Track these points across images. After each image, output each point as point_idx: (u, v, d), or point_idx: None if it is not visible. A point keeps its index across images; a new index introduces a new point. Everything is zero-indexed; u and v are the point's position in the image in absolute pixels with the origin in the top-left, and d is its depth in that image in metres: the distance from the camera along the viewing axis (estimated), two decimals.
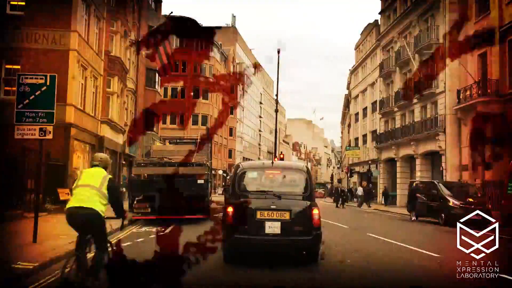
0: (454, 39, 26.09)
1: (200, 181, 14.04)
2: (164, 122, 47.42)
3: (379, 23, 39.78)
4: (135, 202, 14.06)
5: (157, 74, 32.63)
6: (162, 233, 11.86)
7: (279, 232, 7.12)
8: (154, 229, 12.67)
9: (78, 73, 17.76)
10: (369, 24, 43.43)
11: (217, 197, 38.56)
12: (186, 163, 14.66)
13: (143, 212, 13.87)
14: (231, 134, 61.28)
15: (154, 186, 14.06)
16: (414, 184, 21.13)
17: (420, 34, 29.61)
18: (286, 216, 7.20)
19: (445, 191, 17.53)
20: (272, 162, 8.98)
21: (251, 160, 66.25)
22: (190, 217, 13.95)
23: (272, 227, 7.13)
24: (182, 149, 17.44)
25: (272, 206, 7.23)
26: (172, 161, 14.85)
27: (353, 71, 49.80)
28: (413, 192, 20.23)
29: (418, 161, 30.17)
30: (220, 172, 56.48)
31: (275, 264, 7.53)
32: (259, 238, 7.16)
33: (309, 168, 9.18)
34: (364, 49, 44.81)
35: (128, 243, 10.14)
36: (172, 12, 31.31)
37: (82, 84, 18.58)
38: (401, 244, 11.04)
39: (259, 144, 77.78)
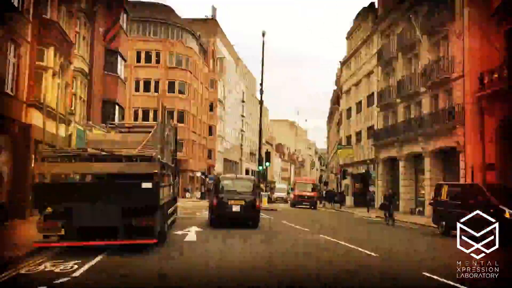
0: (474, 12, 21.91)
1: (147, 185, 8.82)
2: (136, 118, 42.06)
3: (376, 6, 35.33)
4: (40, 218, 8.75)
5: (119, 57, 27.36)
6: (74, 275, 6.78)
7: (239, 211, 15.05)
8: (62, 267, 7.60)
9: None
10: (364, 8, 38.89)
11: (191, 202, 33.38)
12: (125, 155, 9.38)
13: (53, 234, 8.66)
14: (210, 133, 55.96)
15: (71, 193, 8.87)
16: (441, 189, 16.29)
17: (430, 11, 25.16)
18: (243, 202, 15.17)
19: (494, 198, 12.83)
20: (236, 175, 19.95)
21: (232, 161, 63.47)
22: (130, 242, 8.86)
23: (236, 208, 15.05)
24: (133, 139, 12.22)
25: (236, 198, 15.32)
26: (102, 153, 9.44)
27: (344, 62, 45.14)
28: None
29: (427, 160, 25.67)
30: (199, 174, 51.14)
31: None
32: (228, 213, 15.06)
33: (256, 179, 19.70)
34: (358, 37, 40.29)
35: None
36: None
37: None
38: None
39: (241, 145, 72.53)
